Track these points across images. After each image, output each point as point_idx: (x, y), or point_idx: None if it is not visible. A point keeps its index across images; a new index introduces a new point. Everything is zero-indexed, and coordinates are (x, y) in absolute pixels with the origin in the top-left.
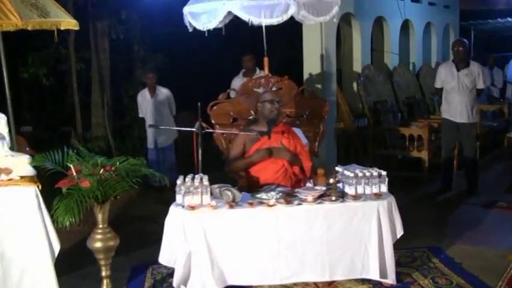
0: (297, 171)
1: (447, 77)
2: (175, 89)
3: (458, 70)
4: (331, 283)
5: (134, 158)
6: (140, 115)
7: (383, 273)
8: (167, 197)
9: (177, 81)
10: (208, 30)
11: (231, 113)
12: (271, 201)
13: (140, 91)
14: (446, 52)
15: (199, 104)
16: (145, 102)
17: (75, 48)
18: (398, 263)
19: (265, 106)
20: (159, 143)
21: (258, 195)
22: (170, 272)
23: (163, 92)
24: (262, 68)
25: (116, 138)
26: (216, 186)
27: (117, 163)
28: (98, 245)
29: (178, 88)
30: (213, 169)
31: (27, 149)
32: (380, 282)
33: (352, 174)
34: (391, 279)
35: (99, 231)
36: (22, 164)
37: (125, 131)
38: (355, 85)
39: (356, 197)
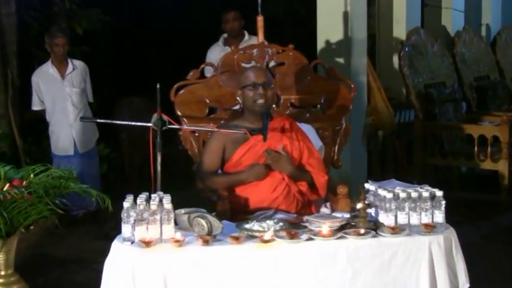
0: (304, 189)
1: None
2: (121, 62)
3: None
4: None
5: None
6: (35, 108)
7: None
8: (107, 229)
9: (123, 51)
10: None
11: (207, 101)
12: (267, 235)
13: (38, 69)
14: None
15: (158, 86)
16: (51, 85)
17: None
18: None
19: (246, 94)
20: (81, 146)
21: (247, 226)
22: None
23: (79, 66)
24: (254, 33)
25: (25, 138)
26: (183, 211)
27: (31, 175)
28: None
29: (125, 61)
30: (179, 185)
31: None
32: None
33: (390, 195)
34: None
35: (1, 280)
36: None
37: (41, 126)
38: (395, 59)
39: (396, 230)
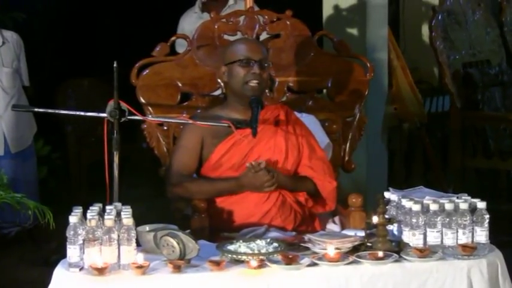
0: (302, 200)
1: None
2: (66, 34)
3: None
4: None
5: None
6: None
7: None
8: (47, 252)
9: (70, 19)
10: None
11: (179, 84)
12: (256, 260)
13: None
14: None
15: (115, 64)
16: None
17: None
18: None
19: (235, 72)
20: (14, 144)
21: (231, 247)
22: None
23: (11, 39)
24: None
25: None
26: (147, 228)
27: None
28: None
29: (72, 32)
30: (142, 194)
31: None
32: None
33: (417, 208)
34: None
35: None
36: None
37: None
38: (425, 30)
39: (426, 253)
